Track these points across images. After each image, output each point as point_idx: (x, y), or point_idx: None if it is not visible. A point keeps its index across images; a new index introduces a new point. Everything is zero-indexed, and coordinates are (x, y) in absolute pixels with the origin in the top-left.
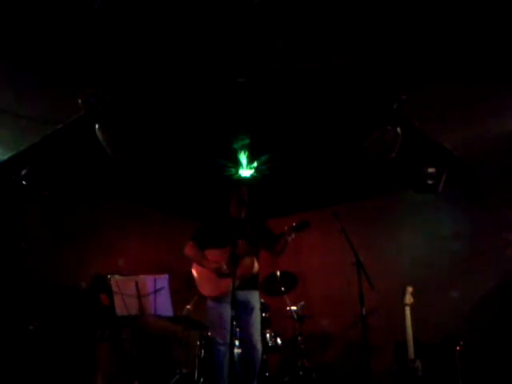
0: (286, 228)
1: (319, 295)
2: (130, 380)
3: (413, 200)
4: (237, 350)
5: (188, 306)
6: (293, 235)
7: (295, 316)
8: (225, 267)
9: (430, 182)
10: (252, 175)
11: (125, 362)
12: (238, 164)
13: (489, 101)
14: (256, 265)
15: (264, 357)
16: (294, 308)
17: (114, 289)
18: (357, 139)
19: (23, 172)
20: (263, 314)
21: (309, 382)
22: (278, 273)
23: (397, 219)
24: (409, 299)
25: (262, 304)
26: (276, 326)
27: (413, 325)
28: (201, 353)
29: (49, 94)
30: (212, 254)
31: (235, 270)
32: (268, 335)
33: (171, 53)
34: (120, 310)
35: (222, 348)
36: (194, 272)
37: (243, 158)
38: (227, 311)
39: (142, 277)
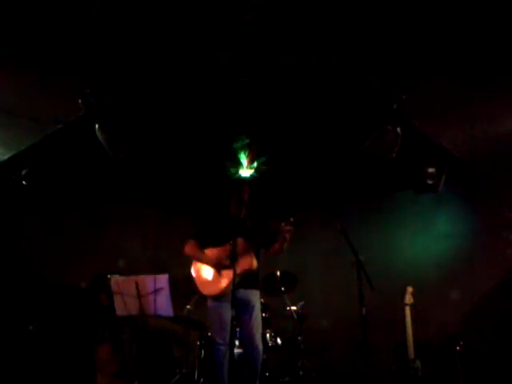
0: (282, 224)
1: (319, 295)
2: (130, 380)
3: (413, 200)
4: (237, 350)
5: (188, 306)
6: (290, 228)
7: (295, 316)
8: (224, 259)
9: (430, 181)
10: (252, 175)
11: (125, 361)
12: (238, 164)
13: (489, 101)
14: (254, 262)
15: (264, 356)
16: (293, 308)
17: (114, 289)
18: (357, 139)
19: (23, 172)
20: (263, 314)
21: (309, 382)
22: (278, 273)
23: (397, 219)
24: (409, 299)
25: (261, 304)
26: (276, 326)
27: (413, 325)
28: (201, 353)
29: (49, 94)
30: (212, 253)
31: (235, 268)
32: (268, 335)
33: (171, 53)
34: (120, 310)
35: (222, 348)
36: (194, 272)
37: (243, 158)
38: (227, 311)
39: (141, 277)
